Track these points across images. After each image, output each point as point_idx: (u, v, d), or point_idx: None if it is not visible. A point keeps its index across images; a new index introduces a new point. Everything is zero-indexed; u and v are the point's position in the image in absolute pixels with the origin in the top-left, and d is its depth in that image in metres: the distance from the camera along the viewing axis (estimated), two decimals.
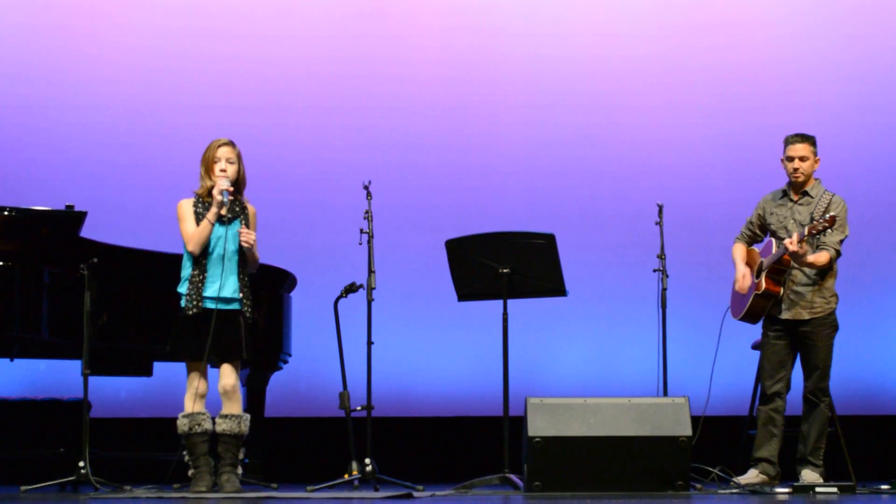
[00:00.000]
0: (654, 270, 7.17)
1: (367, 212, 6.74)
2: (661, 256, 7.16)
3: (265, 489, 6.70)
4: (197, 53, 9.22)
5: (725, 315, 6.97)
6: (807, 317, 6.61)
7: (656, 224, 7.20)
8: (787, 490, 6.33)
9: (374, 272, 6.68)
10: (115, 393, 8.68)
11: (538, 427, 6.26)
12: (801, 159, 6.66)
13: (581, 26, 9.30)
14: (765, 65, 9.15)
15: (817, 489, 6.29)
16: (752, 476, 6.67)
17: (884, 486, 6.69)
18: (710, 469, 6.74)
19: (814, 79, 9.11)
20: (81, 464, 6.43)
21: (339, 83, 9.23)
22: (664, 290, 7.11)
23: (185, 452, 6.24)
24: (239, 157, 6.30)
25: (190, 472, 6.22)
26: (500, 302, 6.85)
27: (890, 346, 8.92)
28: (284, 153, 9.08)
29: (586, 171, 9.11)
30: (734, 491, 6.47)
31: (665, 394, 6.96)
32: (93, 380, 6.66)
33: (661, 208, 7.21)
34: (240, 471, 6.25)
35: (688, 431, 6.24)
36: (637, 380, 8.27)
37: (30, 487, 6.55)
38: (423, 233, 8.78)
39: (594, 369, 8.85)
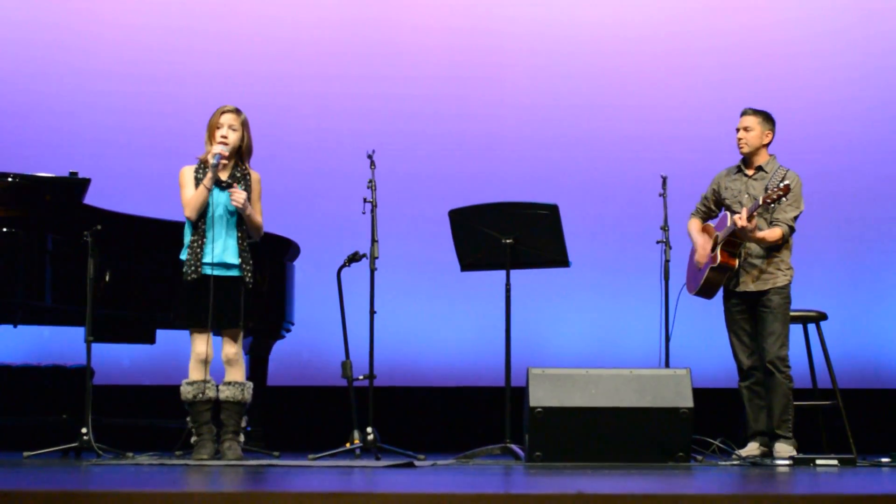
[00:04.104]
0: (658, 242, 7.16)
1: (370, 181, 6.73)
2: (665, 228, 7.15)
3: (267, 457, 6.70)
4: (201, 21, 9.19)
5: (682, 291, 7.01)
6: (763, 288, 6.66)
7: (660, 196, 7.18)
8: (787, 462, 6.34)
9: (377, 241, 6.68)
10: (117, 360, 8.69)
11: (540, 397, 6.27)
12: (746, 129, 6.77)
13: None
14: (771, 35, 9.11)
15: (818, 462, 6.30)
16: (752, 448, 6.70)
17: (884, 459, 6.70)
18: (712, 441, 6.75)
19: (820, 49, 9.07)
20: (84, 430, 6.45)
21: (343, 51, 9.20)
22: (667, 261, 7.11)
23: (188, 419, 6.25)
24: (244, 124, 6.27)
25: (193, 440, 6.23)
26: (503, 272, 6.85)
27: (891, 320, 8.91)
28: (288, 121, 9.06)
29: (591, 142, 9.09)
30: (735, 463, 6.48)
31: (667, 365, 6.97)
32: (96, 347, 6.68)
33: (664, 180, 7.19)
34: (242, 439, 6.26)
35: (689, 403, 6.25)
36: (639, 351, 8.28)
37: (32, 453, 6.56)
38: (427, 202, 8.77)
39: (596, 340, 8.85)
